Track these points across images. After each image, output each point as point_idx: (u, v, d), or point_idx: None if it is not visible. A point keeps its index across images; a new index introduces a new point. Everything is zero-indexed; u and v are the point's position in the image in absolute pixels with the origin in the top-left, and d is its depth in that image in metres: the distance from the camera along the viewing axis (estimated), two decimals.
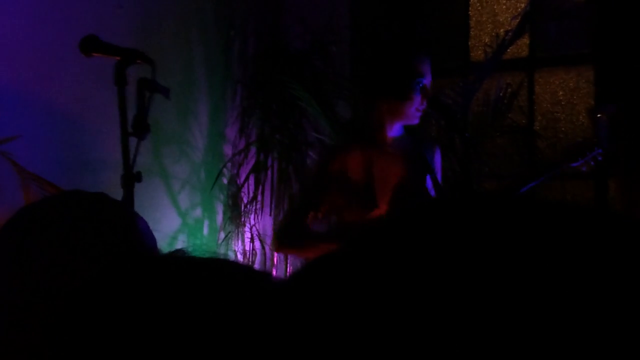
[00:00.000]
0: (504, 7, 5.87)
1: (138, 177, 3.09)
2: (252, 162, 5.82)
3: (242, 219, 5.79)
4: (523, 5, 5.68)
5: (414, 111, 3.62)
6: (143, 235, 1.40)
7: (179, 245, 5.59)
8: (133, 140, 3.11)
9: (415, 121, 3.67)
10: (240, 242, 5.81)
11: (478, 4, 5.97)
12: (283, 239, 3.81)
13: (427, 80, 3.62)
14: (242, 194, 5.81)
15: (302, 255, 4.49)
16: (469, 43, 5.94)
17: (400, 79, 3.60)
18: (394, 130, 3.72)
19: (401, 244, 0.52)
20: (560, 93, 5.52)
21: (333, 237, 3.74)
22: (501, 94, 5.33)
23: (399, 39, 3.93)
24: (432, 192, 3.78)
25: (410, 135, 3.77)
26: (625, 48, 1.01)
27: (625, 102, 0.94)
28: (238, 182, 5.83)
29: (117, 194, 3.11)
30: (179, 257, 0.86)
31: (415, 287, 0.49)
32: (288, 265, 5.76)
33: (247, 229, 5.80)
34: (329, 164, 3.72)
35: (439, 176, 3.85)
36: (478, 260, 0.49)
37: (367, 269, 0.52)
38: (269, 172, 5.80)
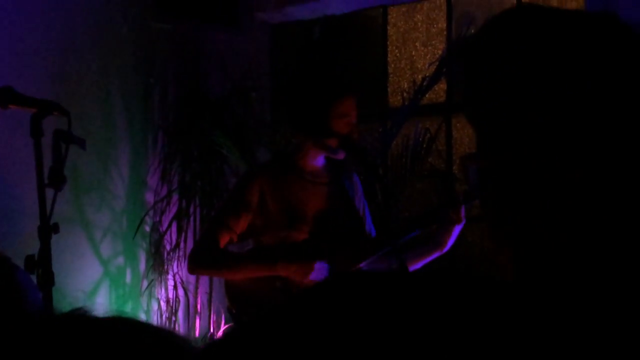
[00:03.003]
0: (422, 53, 5.97)
1: (55, 228, 3.07)
2: (174, 209, 5.80)
3: (165, 267, 5.75)
4: (440, 51, 5.78)
5: (335, 147, 3.65)
6: (23, 290, 1.40)
7: (101, 294, 5.54)
8: (51, 192, 3.09)
9: (340, 156, 3.70)
10: (163, 289, 5.76)
11: (396, 51, 6.07)
12: (197, 259, 3.77)
13: (351, 117, 3.65)
14: (165, 241, 5.77)
15: (216, 276, 4.45)
16: (388, 89, 6.03)
17: (318, 116, 3.62)
18: (317, 161, 3.76)
19: (297, 326, 0.55)
20: None
21: (247, 258, 3.74)
22: (420, 139, 5.40)
23: (319, 77, 3.96)
24: (350, 221, 3.81)
25: (330, 165, 3.81)
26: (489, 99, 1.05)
27: (493, 150, 0.99)
28: (161, 229, 5.79)
29: (35, 244, 3.08)
30: (75, 317, 0.85)
31: None
32: (212, 312, 5.74)
33: (170, 276, 5.76)
34: (248, 187, 3.73)
35: (362, 199, 3.90)
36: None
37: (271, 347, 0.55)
38: (192, 219, 5.79)
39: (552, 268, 1.07)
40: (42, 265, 3.04)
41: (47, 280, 3.05)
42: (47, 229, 3.07)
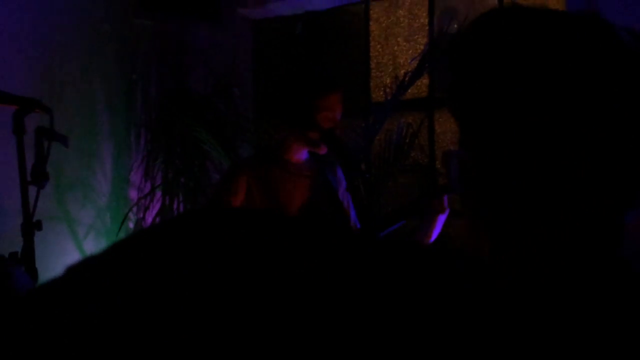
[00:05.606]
0: (404, 48, 5.98)
1: (38, 226, 3.07)
2: (157, 205, 5.80)
3: None
4: (422, 46, 5.79)
5: (317, 140, 3.67)
6: (19, 286, 1.40)
7: None
8: (33, 189, 3.09)
9: (322, 151, 3.72)
10: None
11: (378, 46, 6.08)
12: None
13: (335, 113, 3.66)
14: None
15: None
16: (370, 84, 6.04)
17: (303, 109, 3.65)
18: (300, 155, 3.79)
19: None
20: None
21: None
22: (402, 134, 5.41)
23: (304, 71, 3.97)
24: (334, 213, 3.83)
25: (314, 159, 3.83)
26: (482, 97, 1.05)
27: (475, 146, 0.99)
28: (144, 226, 5.79)
29: (18, 242, 3.08)
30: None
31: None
32: None
33: None
34: (234, 180, 3.75)
35: (346, 193, 3.92)
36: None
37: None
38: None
39: (529, 261, 1.09)
40: (26, 263, 3.04)
41: (31, 277, 3.06)
42: (30, 227, 3.07)
